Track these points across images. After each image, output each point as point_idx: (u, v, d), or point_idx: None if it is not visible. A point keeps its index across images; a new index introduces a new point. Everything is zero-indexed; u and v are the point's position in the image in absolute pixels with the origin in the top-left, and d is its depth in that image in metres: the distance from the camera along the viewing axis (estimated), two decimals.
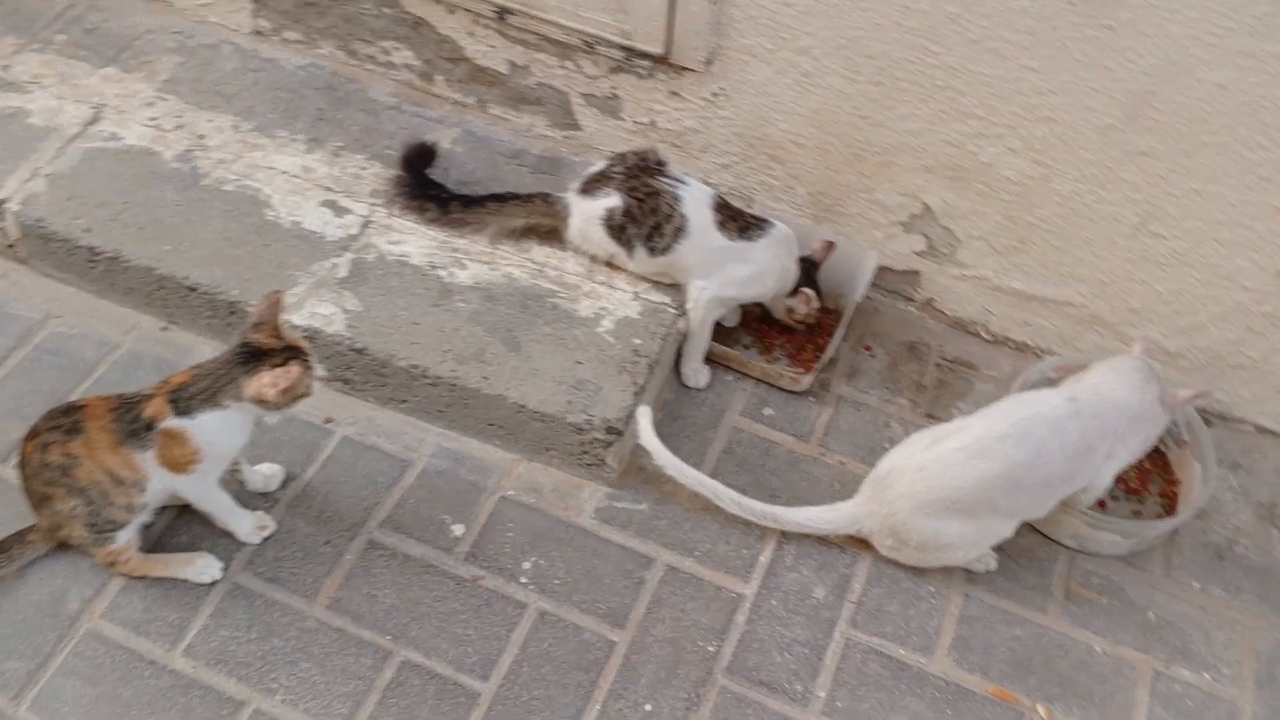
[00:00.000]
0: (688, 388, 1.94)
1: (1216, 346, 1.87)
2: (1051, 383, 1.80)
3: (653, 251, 1.85)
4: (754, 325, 2.05)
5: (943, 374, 2.00)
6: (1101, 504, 1.81)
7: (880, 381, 1.99)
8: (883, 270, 2.03)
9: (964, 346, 2.04)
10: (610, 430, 1.73)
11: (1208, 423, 1.94)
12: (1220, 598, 1.75)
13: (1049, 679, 1.64)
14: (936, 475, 1.60)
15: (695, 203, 1.84)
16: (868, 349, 2.03)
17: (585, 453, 1.77)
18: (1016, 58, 1.69)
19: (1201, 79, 1.60)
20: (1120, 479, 1.83)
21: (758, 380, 1.97)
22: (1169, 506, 1.84)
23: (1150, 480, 1.86)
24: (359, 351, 1.81)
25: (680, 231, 1.82)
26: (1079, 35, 1.64)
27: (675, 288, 1.90)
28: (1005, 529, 1.66)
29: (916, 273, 2.01)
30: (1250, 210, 1.70)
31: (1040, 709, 1.60)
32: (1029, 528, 1.78)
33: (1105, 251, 1.83)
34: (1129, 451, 1.68)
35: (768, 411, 1.92)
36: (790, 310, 1.96)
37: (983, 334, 2.04)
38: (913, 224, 1.95)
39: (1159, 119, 1.66)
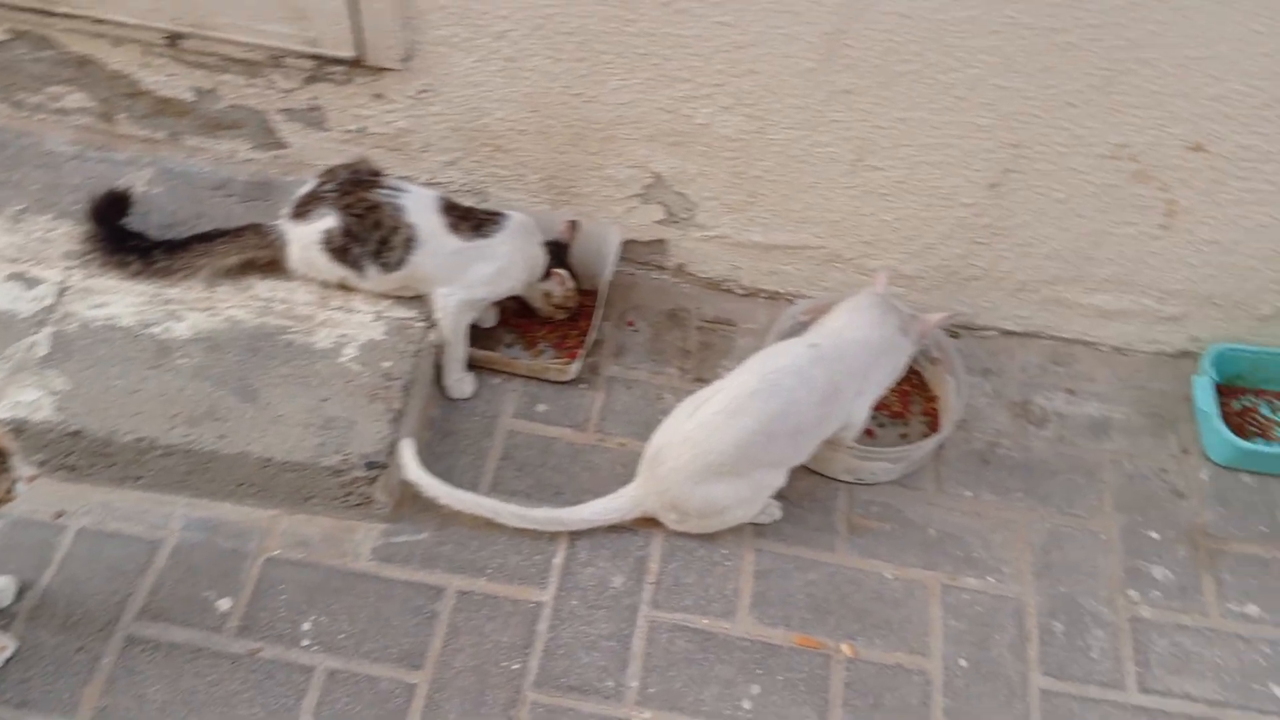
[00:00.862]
0: (454, 400, 1.87)
1: (949, 263, 1.95)
2: (804, 326, 1.82)
3: (386, 267, 1.75)
4: (514, 322, 1.99)
5: (705, 336, 2.01)
6: (870, 433, 1.87)
7: (647, 355, 1.97)
8: (630, 244, 2.01)
9: (720, 305, 2.06)
10: (371, 465, 1.63)
11: (956, 335, 2.04)
12: (991, 501, 1.83)
13: (847, 616, 1.68)
14: (700, 443, 1.60)
15: (420, 209, 1.75)
16: (630, 324, 2.01)
17: (349, 494, 1.66)
18: (709, 15, 1.68)
19: (885, 11, 1.63)
20: (884, 405, 1.89)
21: (526, 378, 1.91)
22: (932, 424, 1.92)
23: (911, 402, 1.94)
24: (75, 435, 1.63)
25: (411, 242, 1.73)
26: None
27: (420, 300, 1.81)
28: (776, 479, 1.68)
29: (662, 241, 2.00)
30: (953, 131, 1.76)
31: (844, 647, 1.64)
32: (806, 470, 1.81)
33: (830, 192, 1.87)
34: (878, 384, 1.73)
35: (541, 408, 1.88)
36: (548, 295, 1.92)
37: (735, 290, 2.06)
38: (648, 194, 1.93)
39: (854, 56, 1.69)
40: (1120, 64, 1.63)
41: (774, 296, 2.05)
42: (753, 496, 1.68)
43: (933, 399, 1.93)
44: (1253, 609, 1.71)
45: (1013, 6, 1.59)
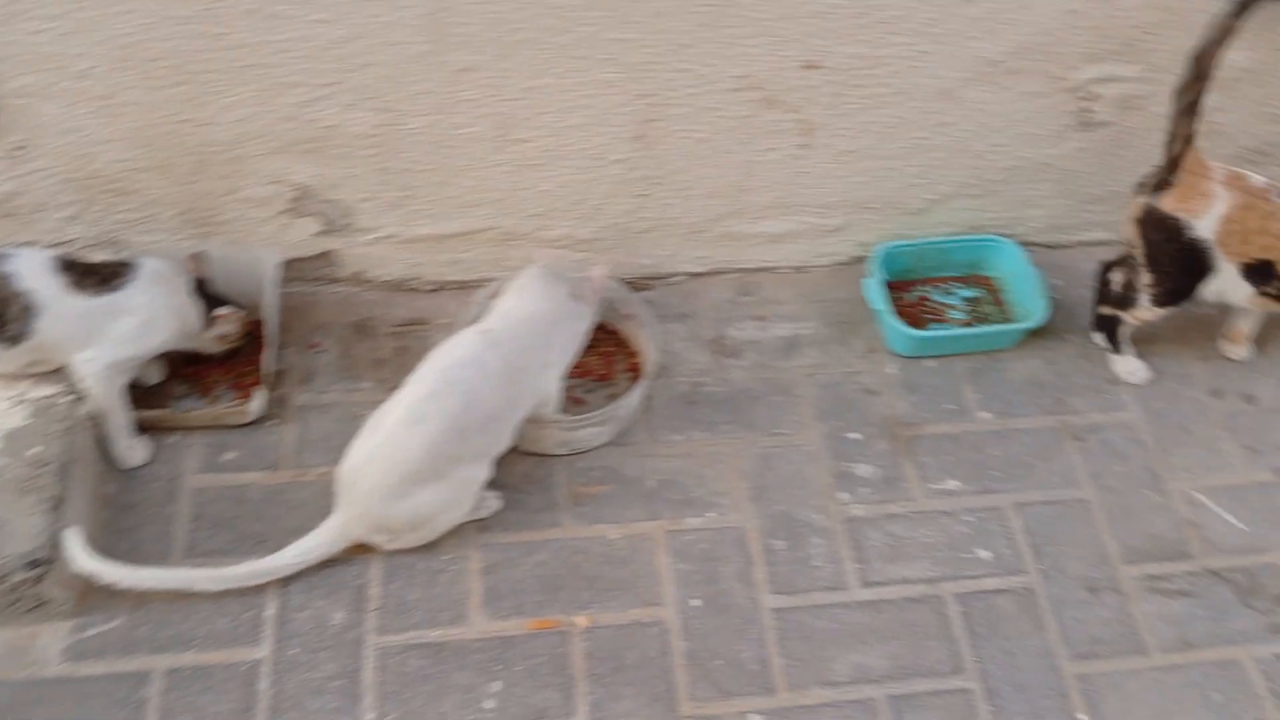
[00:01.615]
0: (129, 470, 1.72)
1: (620, 220, 1.97)
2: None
3: (7, 343, 1.58)
4: (186, 371, 1.85)
5: (399, 341, 1.95)
6: (581, 401, 1.88)
7: (339, 373, 1.89)
8: (294, 262, 1.92)
9: (409, 305, 2.00)
10: (33, 564, 1.49)
11: (648, 288, 2.06)
12: (701, 439, 1.88)
13: (578, 587, 1.68)
14: (388, 458, 1.55)
15: (33, 273, 1.59)
16: (315, 345, 1.92)
17: (18, 599, 1.51)
18: (303, 15, 1.60)
19: None
20: (589, 371, 1.90)
21: (206, 428, 1.79)
22: (637, 379, 1.93)
23: (615, 362, 1.94)
24: None
25: (29, 311, 1.57)
26: None
27: (63, 372, 1.65)
28: (481, 472, 1.65)
29: (328, 253, 1.92)
30: (585, 91, 1.76)
31: (579, 620, 1.64)
32: (520, 454, 1.79)
33: (483, 171, 1.84)
34: (562, 354, 1.72)
35: (229, 456, 1.77)
36: (223, 338, 1.79)
37: (421, 287, 2.00)
38: (298, 207, 1.84)
39: (464, 33, 1.65)
40: None
41: (462, 286, 2.00)
42: (460, 497, 1.64)
43: (634, 354, 1.95)
44: (952, 484, 1.83)
45: None
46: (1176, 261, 1.82)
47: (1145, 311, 1.90)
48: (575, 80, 1.74)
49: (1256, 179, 1.79)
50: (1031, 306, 1.98)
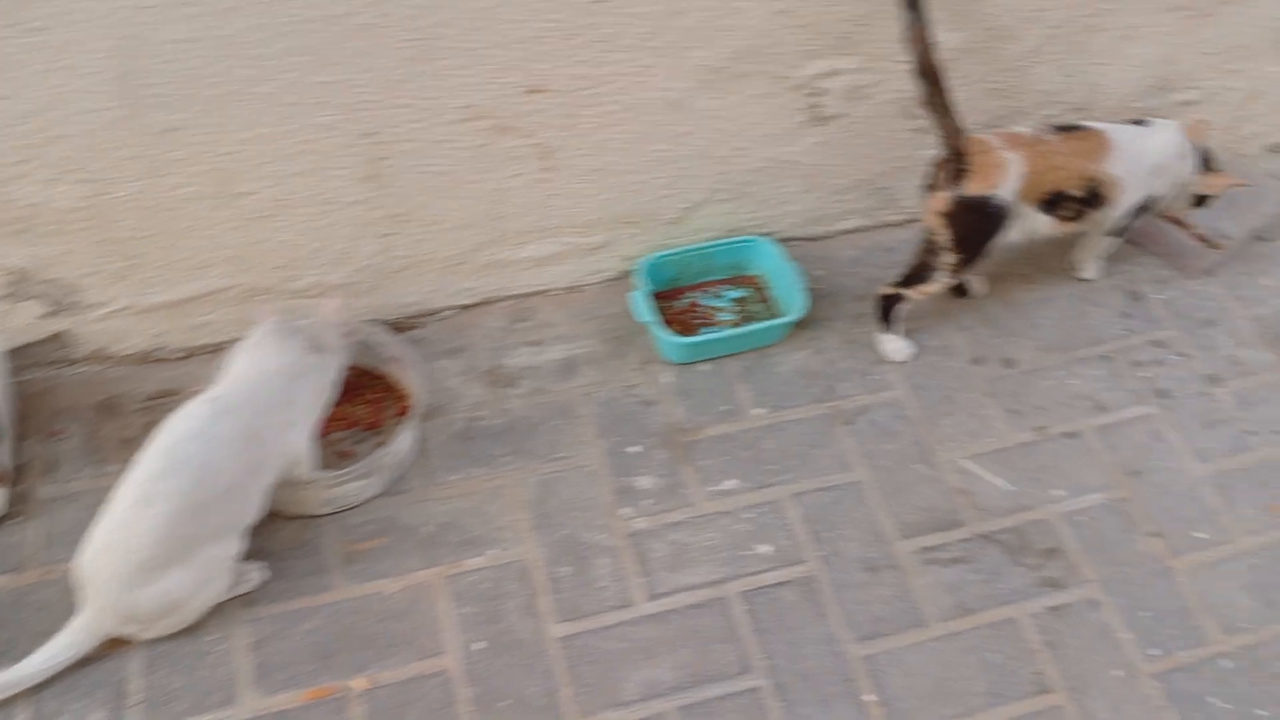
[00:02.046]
0: None
1: (373, 262, 1.92)
2: None
3: None
4: None
5: (148, 415, 1.84)
6: (348, 454, 1.81)
7: (85, 459, 1.80)
8: (25, 349, 1.81)
9: (160, 376, 1.91)
10: None
11: (419, 325, 2.01)
12: (481, 475, 1.85)
13: (355, 649, 1.63)
14: (120, 545, 1.48)
15: None
16: (57, 433, 1.82)
17: None
18: None
19: (165, 41, 1.52)
20: (354, 421, 1.84)
21: None
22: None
23: (384, 408, 1.89)
24: None
25: None
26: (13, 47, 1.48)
27: None
28: (230, 547, 1.58)
29: (59, 334, 1.82)
30: (303, 136, 1.69)
31: (356, 683, 1.58)
32: (284, 518, 1.73)
33: (211, 230, 1.77)
34: (307, 410, 1.66)
35: None
36: None
37: (169, 356, 1.92)
38: (17, 292, 1.74)
39: (160, 92, 1.58)
40: (425, 31, 1.64)
41: (215, 349, 1.90)
42: (211, 576, 1.56)
43: (403, 398, 1.90)
44: (730, 483, 1.85)
45: (293, 4, 1.54)
46: (986, 234, 1.91)
47: (937, 286, 1.97)
48: (291, 127, 1.68)
49: (1023, 129, 1.93)
50: (793, 301, 2.03)
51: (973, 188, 1.86)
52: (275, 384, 1.61)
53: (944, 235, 1.91)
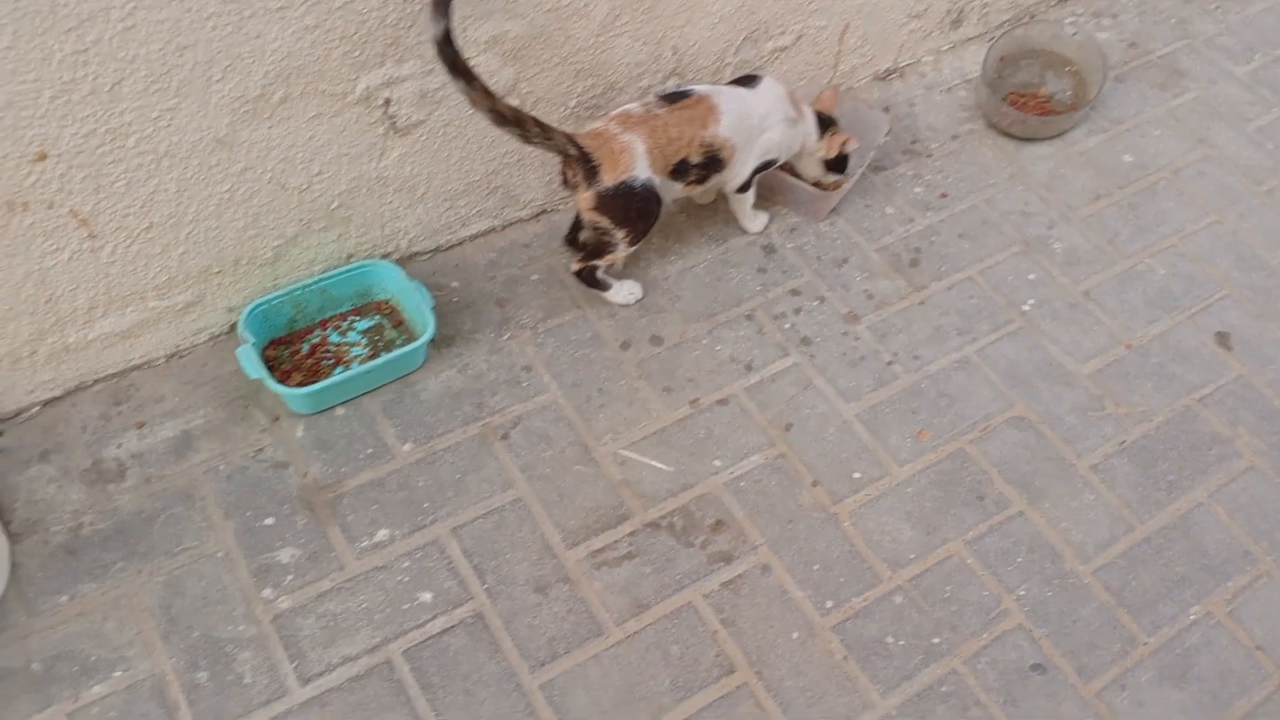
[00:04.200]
0: None
1: None
2: None
3: None
4: None
5: None
6: None
7: None
8: None
9: None
10: None
11: None
12: (92, 590, 1.63)
13: None
14: None
15: None
16: None
17: None
18: None
19: None
20: None
21: None
22: None
23: None
24: None
25: None
26: None
27: None
28: None
29: None
30: None
31: None
32: None
33: None
34: None
35: None
36: None
37: None
38: None
39: None
40: None
41: None
42: None
43: None
44: (383, 534, 1.72)
45: None
46: (644, 208, 1.90)
47: (622, 254, 1.95)
48: None
49: (633, 107, 1.90)
50: (423, 321, 1.90)
51: (608, 178, 1.86)
52: None
53: (606, 221, 1.90)
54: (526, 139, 1.77)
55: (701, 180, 1.98)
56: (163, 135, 1.60)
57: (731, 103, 1.95)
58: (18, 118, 1.48)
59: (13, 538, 1.67)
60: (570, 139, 1.81)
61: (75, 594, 1.63)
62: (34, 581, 1.64)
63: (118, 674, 1.57)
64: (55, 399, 1.82)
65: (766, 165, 2.05)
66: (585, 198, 1.86)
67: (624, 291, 2.04)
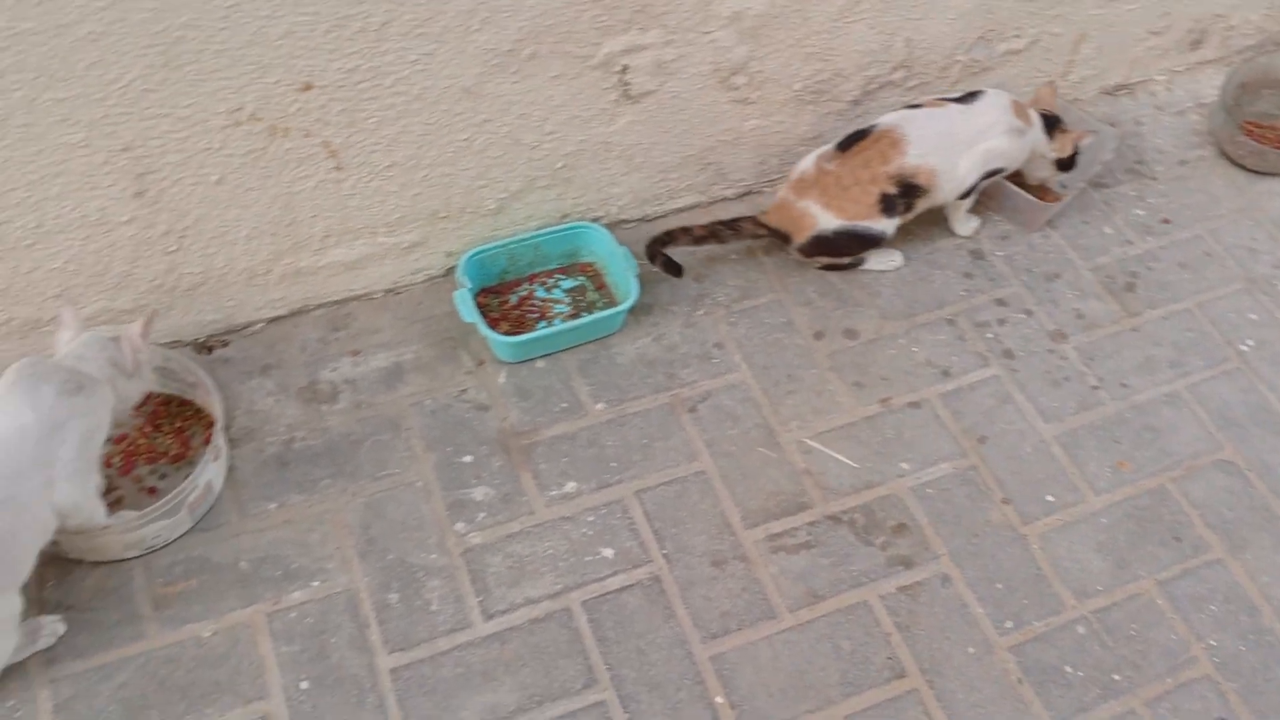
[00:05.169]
0: None
1: (161, 282, 1.76)
2: None
3: None
4: None
5: None
6: (154, 491, 1.67)
7: None
8: None
9: None
10: None
11: (224, 344, 1.86)
12: (300, 501, 1.73)
13: (171, 701, 1.51)
14: None
15: None
16: None
17: None
18: None
19: None
20: (160, 455, 1.71)
21: None
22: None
23: (191, 438, 1.75)
24: None
25: None
26: None
27: None
28: (12, 605, 1.42)
29: None
30: (53, 158, 1.52)
31: None
32: (86, 565, 1.60)
33: None
34: (71, 464, 1.44)
35: None
36: None
37: None
38: None
39: None
40: (165, 36, 1.48)
41: None
42: None
43: (210, 424, 1.76)
44: (571, 486, 1.77)
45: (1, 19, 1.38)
46: (845, 247, 1.96)
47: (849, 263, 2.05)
48: (34, 149, 1.51)
49: (807, 166, 1.96)
50: (628, 287, 1.93)
51: (799, 238, 1.96)
52: (23, 447, 1.42)
53: (824, 259, 1.99)
54: (724, 242, 1.98)
55: (908, 209, 1.97)
56: (417, 79, 1.67)
57: (923, 127, 1.94)
58: (294, 47, 1.57)
59: (231, 443, 1.77)
60: (756, 223, 1.98)
61: (284, 503, 1.73)
62: (247, 485, 1.74)
63: (316, 583, 1.65)
64: (280, 318, 1.93)
65: (993, 174, 2.01)
66: (794, 252, 1.97)
67: (884, 259, 2.07)
